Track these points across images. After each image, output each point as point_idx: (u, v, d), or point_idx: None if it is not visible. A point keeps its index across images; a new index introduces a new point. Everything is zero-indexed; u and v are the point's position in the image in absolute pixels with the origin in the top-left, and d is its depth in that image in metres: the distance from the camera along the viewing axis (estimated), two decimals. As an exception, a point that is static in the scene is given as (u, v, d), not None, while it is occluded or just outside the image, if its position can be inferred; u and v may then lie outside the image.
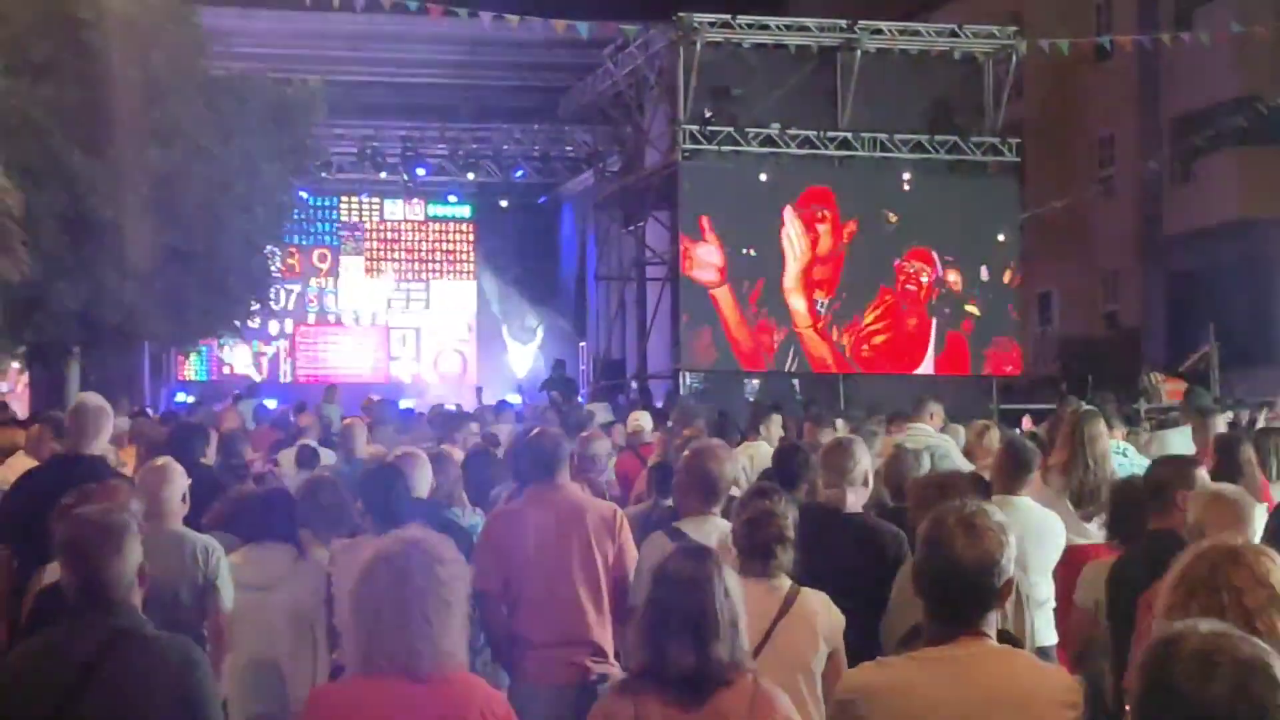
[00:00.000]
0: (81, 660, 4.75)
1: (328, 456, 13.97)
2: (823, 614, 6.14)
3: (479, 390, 32.35)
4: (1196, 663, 2.87)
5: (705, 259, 29.38)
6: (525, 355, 39.09)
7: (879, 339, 30.40)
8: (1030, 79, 34.71)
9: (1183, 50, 32.33)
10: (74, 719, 4.68)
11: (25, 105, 20.72)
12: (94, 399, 9.28)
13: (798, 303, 29.95)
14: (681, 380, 29.31)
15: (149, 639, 4.91)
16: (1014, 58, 31.33)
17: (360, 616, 4.58)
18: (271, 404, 27.26)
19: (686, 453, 8.82)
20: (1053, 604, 8.32)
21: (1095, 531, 9.03)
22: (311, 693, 5.18)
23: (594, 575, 7.84)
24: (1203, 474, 7.96)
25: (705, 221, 29.28)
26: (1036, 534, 8.41)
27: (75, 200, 21.75)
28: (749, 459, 12.79)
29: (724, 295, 29.48)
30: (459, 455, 11.25)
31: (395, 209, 39.45)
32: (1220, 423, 13.18)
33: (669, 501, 9.57)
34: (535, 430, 9.69)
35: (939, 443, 12.82)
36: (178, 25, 23.97)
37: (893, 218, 30.39)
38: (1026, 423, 22.44)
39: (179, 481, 8.18)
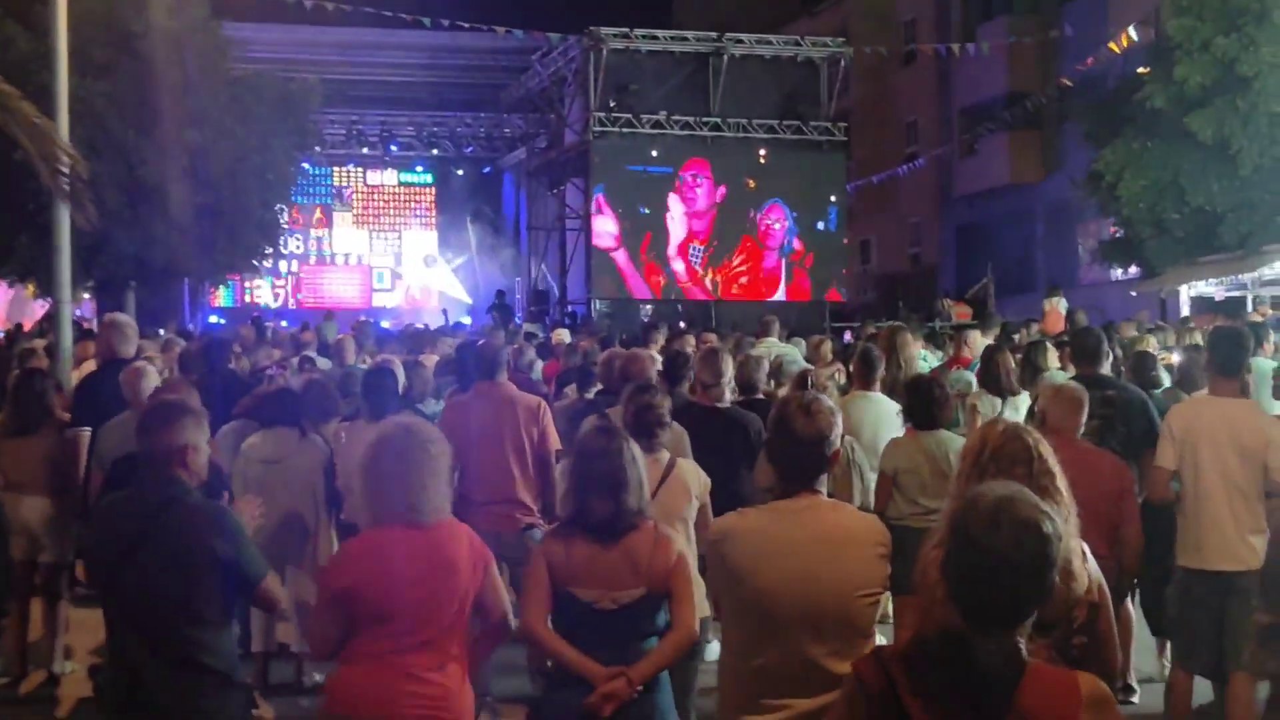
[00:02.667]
0: (142, 515, 4.68)
1: (324, 364, 13.80)
2: (694, 477, 6.16)
3: (445, 313, 31.97)
4: (987, 518, 2.88)
5: (602, 229, 29.38)
6: (452, 279, 38.93)
7: (744, 279, 30.55)
8: (855, 78, 34.71)
9: (968, 57, 32.47)
10: (139, 558, 4.62)
11: (89, 97, 20.33)
12: (122, 317, 9.18)
13: (678, 260, 30.08)
14: (593, 306, 29.29)
15: (192, 503, 4.79)
16: (842, 62, 31.42)
17: (371, 483, 4.55)
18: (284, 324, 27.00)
19: (619, 361, 8.81)
20: None
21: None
22: (340, 546, 5.12)
23: (522, 451, 7.85)
24: None
25: (601, 199, 29.25)
26: (889, 419, 8.50)
27: (129, 169, 21.59)
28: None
29: (620, 256, 29.55)
30: (432, 362, 11.19)
31: (375, 176, 39.00)
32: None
33: (589, 395, 9.57)
34: (480, 341, 9.66)
35: (787, 350, 12.90)
36: (206, 35, 23.79)
37: (752, 184, 30.47)
38: (847, 336, 22.61)
39: (152, 378, 8.11)
